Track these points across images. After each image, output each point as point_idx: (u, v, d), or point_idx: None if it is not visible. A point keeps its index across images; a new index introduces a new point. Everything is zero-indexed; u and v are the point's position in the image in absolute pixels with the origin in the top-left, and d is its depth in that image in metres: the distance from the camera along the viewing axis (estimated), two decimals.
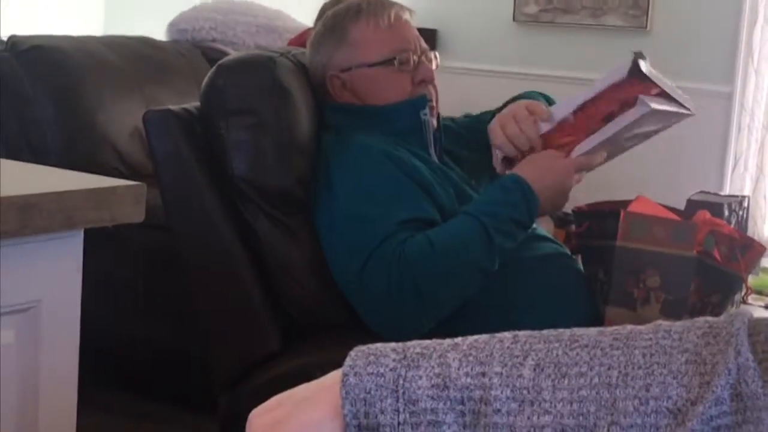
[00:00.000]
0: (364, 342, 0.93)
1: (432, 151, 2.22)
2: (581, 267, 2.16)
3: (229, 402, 2.05)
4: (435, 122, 2.25)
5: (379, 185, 2.04)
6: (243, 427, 0.90)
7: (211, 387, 2.11)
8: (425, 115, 2.19)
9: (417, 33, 2.25)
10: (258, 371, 2.03)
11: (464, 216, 2.02)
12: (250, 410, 0.92)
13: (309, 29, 3.51)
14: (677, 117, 2.11)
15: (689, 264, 1.99)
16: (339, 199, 2.05)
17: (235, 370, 2.06)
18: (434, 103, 2.24)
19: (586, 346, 0.84)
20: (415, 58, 2.20)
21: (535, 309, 2.03)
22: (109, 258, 2.60)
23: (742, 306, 2.18)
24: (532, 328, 0.92)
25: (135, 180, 1.35)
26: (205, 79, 2.12)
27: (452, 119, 2.44)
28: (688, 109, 2.10)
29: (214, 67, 2.12)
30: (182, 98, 3.03)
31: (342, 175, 2.06)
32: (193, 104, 2.16)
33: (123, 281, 2.79)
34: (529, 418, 0.81)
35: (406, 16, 2.24)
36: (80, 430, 1.32)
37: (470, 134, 2.36)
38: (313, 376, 0.90)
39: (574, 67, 5.15)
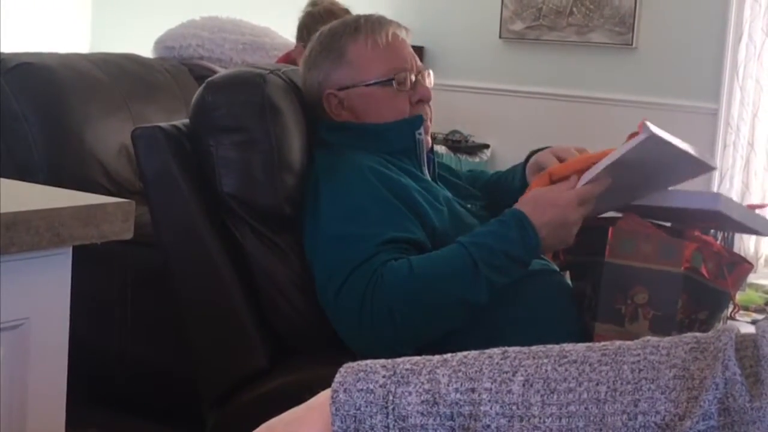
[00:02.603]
0: (353, 360, 0.93)
1: (425, 170, 2.22)
2: (569, 283, 2.16)
3: (217, 420, 2.05)
4: (429, 141, 2.25)
5: (365, 205, 2.02)
6: None
7: (199, 405, 2.10)
8: (420, 134, 2.19)
9: (412, 51, 2.25)
10: (245, 389, 2.02)
11: (454, 246, 1.99)
12: (237, 427, 0.92)
13: (296, 46, 3.52)
14: (695, 165, 2.06)
15: (677, 280, 1.99)
16: (324, 217, 2.04)
17: (223, 388, 2.06)
18: (429, 123, 2.24)
19: (575, 361, 0.84)
20: (412, 77, 2.21)
21: (523, 325, 2.03)
22: (97, 275, 2.59)
23: (729, 322, 2.18)
24: (521, 344, 0.92)
25: (122, 197, 1.35)
26: (195, 96, 2.12)
27: (452, 170, 2.44)
28: (708, 163, 2.07)
29: (204, 84, 2.12)
30: (169, 116, 3.03)
31: (329, 194, 2.06)
32: (182, 121, 2.16)
33: (111, 298, 2.78)
34: None
35: (403, 34, 2.24)
36: None
37: (485, 194, 2.36)
38: (300, 393, 0.90)
39: (561, 84, 5.18)
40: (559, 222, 1.99)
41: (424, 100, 2.22)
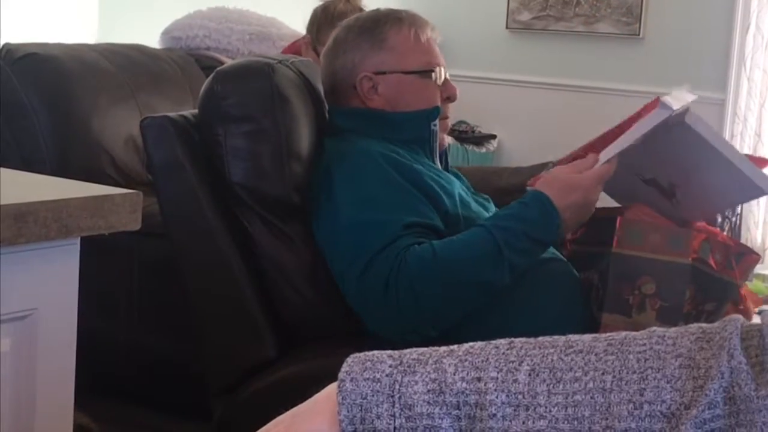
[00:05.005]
0: (361, 350, 0.93)
1: (437, 160, 2.23)
2: (576, 273, 2.16)
3: (224, 409, 2.05)
4: (445, 139, 2.29)
5: (381, 191, 2.04)
6: None
7: (206, 395, 2.11)
8: (435, 126, 2.21)
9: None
10: (253, 379, 2.03)
11: (476, 228, 2.02)
12: (244, 417, 0.93)
13: (303, 36, 3.52)
14: (741, 179, 1.98)
15: (684, 271, 1.99)
16: (341, 205, 2.05)
17: (230, 378, 2.06)
18: (447, 122, 2.30)
19: (581, 351, 0.84)
20: (446, 74, 2.25)
21: (530, 314, 2.03)
22: (106, 266, 2.59)
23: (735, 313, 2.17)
24: (527, 334, 0.93)
25: (130, 188, 1.36)
26: (204, 86, 2.12)
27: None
28: (759, 185, 1.99)
29: (213, 74, 2.12)
30: (177, 106, 3.03)
31: (343, 181, 2.07)
32: (190, 111, 2.16)
33: (119, 289, 2.78)
34: (524, 422, 0.81)
35: (437, 36, 2.28)
36: None
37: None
38: (308, 384, 0.91)
39: (567, 75, 5.17)
40: (581, 203, 2.01)
41: (452, 98, 2.27)
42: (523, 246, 1.98)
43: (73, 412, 1.28)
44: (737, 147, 4.71)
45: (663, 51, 4.92)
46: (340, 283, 2.04)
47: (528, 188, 2.09)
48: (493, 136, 5.30)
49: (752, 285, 3.38)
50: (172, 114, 2.12)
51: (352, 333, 2.05)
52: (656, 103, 1.95)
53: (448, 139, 2.44)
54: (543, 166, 2.65)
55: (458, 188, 2.19)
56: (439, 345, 0.90)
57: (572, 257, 2.19)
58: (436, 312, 1.97)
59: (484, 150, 5.22)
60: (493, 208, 2.30)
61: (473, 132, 5.25)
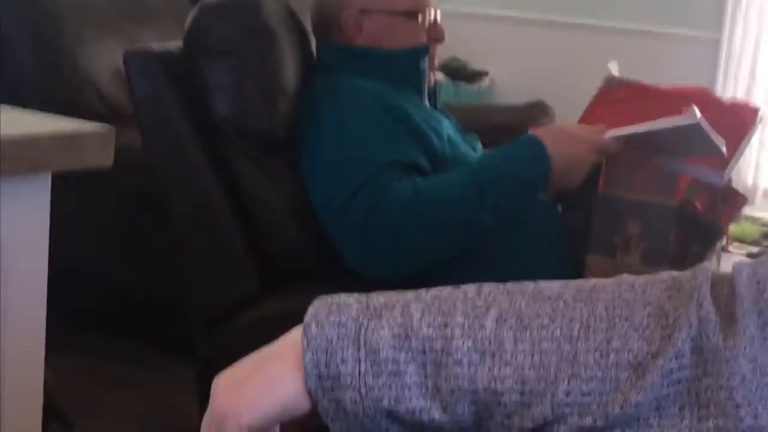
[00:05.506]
0: (345, 286, 0.93)
1: (425, 100, 2.22)
2: (561, 214, 2.16)
3: (206, 346, 2.06)
4: (433, 77, 2.26)
5: (367, 127, 2.03)
6: (219, 371, 0.90)
7: (189, 331, 2.11)
8: (423, 64, 2.20)
9: None
10: (235, 315, 2.03)
11: (461, 168, 2.01)
12: (227, 354, 0.92)
13: None
14: (711, 147, 1.99)
15: (670, 213, 1.99)
16: (325, 139, 2.04)
17: (213, 313, 2.06)
18: (435, 62, 2.26)
19: (549, 298, 0.84)
20: (434, 15, 2.23)
21: (511, 256, 2.03)
22: (89, 199, 2.58)
23: (723, 254, 2.18)
24: (508, 276, 0.92)
25: (116, 121, 1.34)
26: (188, 19, 2.10)
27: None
28: (721, 149, 2.00)
29: (197, 7, 2.10)
30: (164, 38, 3.00)
31: (330, 117, 2.06)
32: (174, 43, 2.14)
33: (100, 222, 2.78)
34: (490, 369, 0.81)
35: None
36: (57, 371, 1.32)
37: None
38: (290, 321, 0.90)
39: (560, 11, 5.13)
40: (574, 158, 1.98)
41: (440, 40, 2.24)
42: (508, 186, 1.96)
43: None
44: (730, 87, 4.69)
45: None
46: (321, 217, 2.04)
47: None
48: (486, 73, 5.27)
49: (741, 227, 3.39)
50: (155, 46, 2.10)
51: (336, 270, 2.05)
52: (680, 107, 1.95)
53: (439, 76, 2.43)
54: (535, 105, 2.64)
55: (447, 128, 2.18)
56: (417, 286, 0.89)
57: (556, 198, 2.19)
58: (415, 248, 1.96)
59: (475, 87, 5.20)
60: (480, 148, 2.29)
61: (465, 68, 5.21)
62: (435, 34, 2.23)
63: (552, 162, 1.96)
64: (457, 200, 1.95)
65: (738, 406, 0.77)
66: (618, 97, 2.15)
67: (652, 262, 1.97)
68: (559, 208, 2.16)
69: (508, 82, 5.16)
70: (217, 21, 2.07)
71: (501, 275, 1.00)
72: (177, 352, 2.33)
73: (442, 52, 2.32)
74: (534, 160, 1.97)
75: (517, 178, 1.97)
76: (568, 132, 2.02)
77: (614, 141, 2.01)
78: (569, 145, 1.98)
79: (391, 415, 0.83)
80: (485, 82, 5.26)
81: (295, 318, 0.89)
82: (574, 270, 1.97)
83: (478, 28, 5.20)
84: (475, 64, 5.25)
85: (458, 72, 5.18)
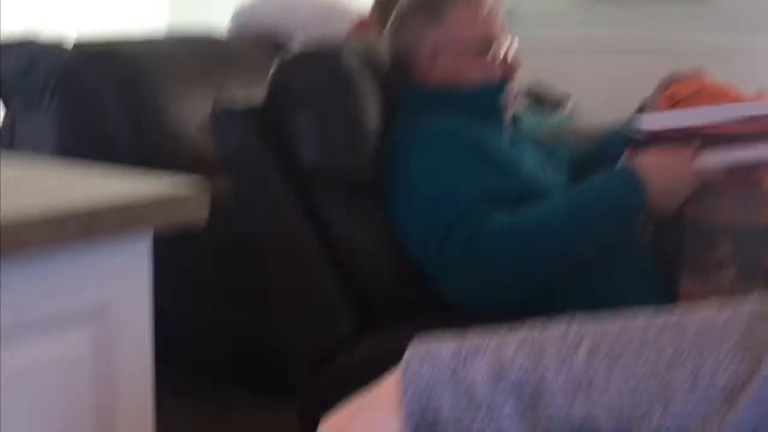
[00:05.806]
0: (438, 325, 0.94)
1: (506, 131, 2.23)
2: (653, 237, 2.15)
3: (307, 389, 2.08)
4: (513, 108, 2.28)
5: (455, 164, 2.06)
6: (322, 413, 0.92)
7: (288, 375, 2.14)
8: (503, 100, 2.22)
9: (503, 20, 2.28)
10: (334, 357, 2.05)
11: (555, 198, 2.03)
12: (328, 396, 0.94)
13: (368, 18, 3.53)
14: None
15: (761, 231, 1.98)
16: (416, 180, 2.07)
17: (311, 356, 2.09)
18: (513, 94, 2.27)
19: (638, 327, 0.84)
20: (505, 47, 2.24)
21: (606, 284, 2.02)
22: (185, 253, 2.62)
23: None
24: (605, 303, 0.92)
25: (208, 168, 1.34)
26: (271, 71, 2.14)
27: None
28: None
29: (279, 58, 2.14)
30: (249, 84, 3.04)
31: (417, 157, 2.09)
32: (259, 91, 2.18)
33: (200, 275, 2.81)
34: (584, 401, 0.82)
35: (500, 6, 2.28)
36: (162, 418, 1.34)
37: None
38: (390, 360, 0.91)
39: (641, 36, 5.10)
40: (673, 185, 1.99)
41: (514, 70, 2.24)
42: (608, 218, 1.98)
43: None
44: None
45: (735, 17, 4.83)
46: (419, 256, 2.06)
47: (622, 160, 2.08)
48: (568, 100, 5.25)
49: None
50: (239, 101, 2.14)
51: (430, 306, 2.06)
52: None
53: (519, 106, 2.43)
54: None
55: (530, 156, 2.19)
56: (518, 315, 0.90)
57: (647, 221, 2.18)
58: (513, 282, 1.98)
59: (559, 114, 5.18)
60: (564, 167, 2.29)
61: (549, 93, 5.19)
62: (508, 68, 2.23)
63: (652, 190, 1.97)
64: (556, 230, 1.97)
65: None
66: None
67: (747, 278, 1.96)
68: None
69: (592, 109, 5.14)
70: (299, 71, 2.11)
71: (598, 303, 1.01)
72: (279, 396, 2.35)
73: (526, 75, 2.31)
74: (628, 190, 1.98)
75: (616, 209, 1.99)
76: (669, 158, 2.01)
77: (714, 164, 2.00)
78: (672, 169, 1.99)
79: None
80: (568, 109, 5.24)
81: (392, 358, 0.91)
82: (668, 294, 1.97)
83: (558, 57, 5.19)
84: (557, 92, 5.24)
85: (541, 97, 5.16)
